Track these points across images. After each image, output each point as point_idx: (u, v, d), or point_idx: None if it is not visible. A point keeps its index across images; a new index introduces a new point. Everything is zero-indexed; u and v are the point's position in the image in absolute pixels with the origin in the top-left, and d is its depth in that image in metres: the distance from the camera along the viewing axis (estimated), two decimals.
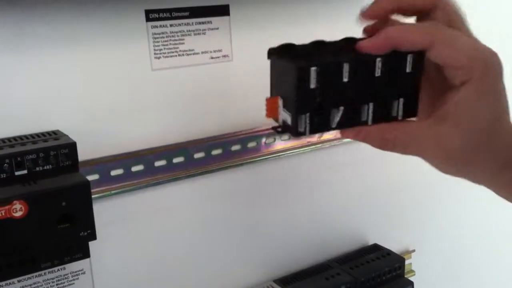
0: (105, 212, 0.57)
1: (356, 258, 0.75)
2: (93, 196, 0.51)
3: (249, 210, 0.68)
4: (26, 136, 0.51)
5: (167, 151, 0.60)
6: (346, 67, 0.39)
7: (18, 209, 0.44)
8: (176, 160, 0.61)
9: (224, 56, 0.62)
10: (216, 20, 0.60)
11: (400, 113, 0.43)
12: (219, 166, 0.64)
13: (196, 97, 0.61)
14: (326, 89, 0.39)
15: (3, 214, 0.44)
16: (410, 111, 0.43)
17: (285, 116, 0.41)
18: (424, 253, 0.87)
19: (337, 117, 0.41)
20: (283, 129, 0.43)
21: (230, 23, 0.61)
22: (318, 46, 0.41)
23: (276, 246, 0.71)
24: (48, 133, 0.52)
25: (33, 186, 0.46)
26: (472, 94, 0.43)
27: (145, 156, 0.59)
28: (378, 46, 0.40)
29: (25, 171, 0.47)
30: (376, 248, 0.78)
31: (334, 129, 0.41)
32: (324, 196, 0.74)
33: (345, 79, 0.40)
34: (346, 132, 0.43)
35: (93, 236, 0.49)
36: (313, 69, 0.38)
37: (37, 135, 0.51)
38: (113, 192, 0.57)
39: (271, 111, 0.43)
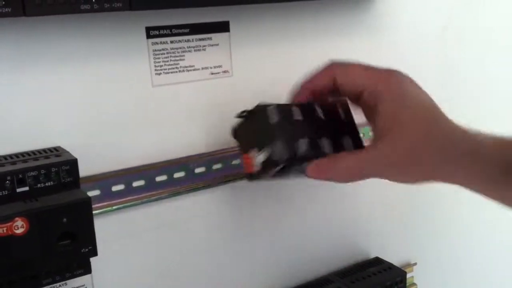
0: (107, 227, 0.57)
1: (357, 272, 0.75)
2: (94, 212, 0.51)
3: (249, 224, 0.68)
4: (27, 153, 0.51)
5: (168, 166, 0.60)
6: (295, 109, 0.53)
7: (19, 226, 0.45)
8: (177, 175, 0.61)
9: (224, 71, 0.62)
10: (216, 37, 0.61)
11: (351, 147, 0.54)
12: (220, 181, 0.64)
13: (196, 113, 0.62)
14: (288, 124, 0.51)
15: (5, 231, 0.44)
16: (358, 145, 0.55)
17: (259, 158, 0.51)
18: (426, 266, 0.87)
19: (303, 146, 0.51)
20: (257, 173, 0.53)
21: (230, 39, 0.62)
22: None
23: (276, 259, 0.71)
24: (50, 149, 0.52)
25: (34, 203, 0.46)
26: (387, 105, 0.46)
27: (146, 171, 0.59)
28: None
29: (26, 188, 0.48)
30: (377, 261, 0.78)
31: (301, 159, 0.51)
32: (325, 209, 0.74)
33: (299, 118, 0.52)
34: (312, 170, 0.51)
35: (94, 252, 0.49)
36: (270, 107, 0.52)
37: (39, 151, 0.51)
38: (114, 207, 0.58)
39: (248, 167, 0.54)
